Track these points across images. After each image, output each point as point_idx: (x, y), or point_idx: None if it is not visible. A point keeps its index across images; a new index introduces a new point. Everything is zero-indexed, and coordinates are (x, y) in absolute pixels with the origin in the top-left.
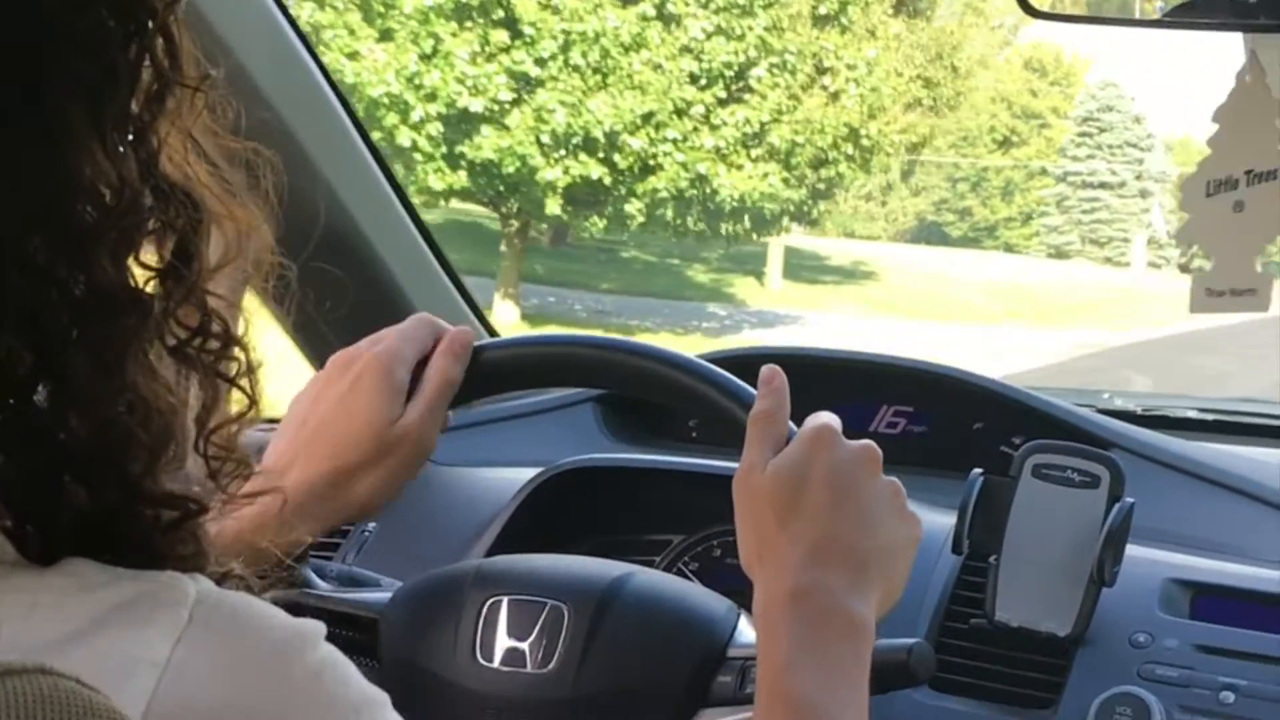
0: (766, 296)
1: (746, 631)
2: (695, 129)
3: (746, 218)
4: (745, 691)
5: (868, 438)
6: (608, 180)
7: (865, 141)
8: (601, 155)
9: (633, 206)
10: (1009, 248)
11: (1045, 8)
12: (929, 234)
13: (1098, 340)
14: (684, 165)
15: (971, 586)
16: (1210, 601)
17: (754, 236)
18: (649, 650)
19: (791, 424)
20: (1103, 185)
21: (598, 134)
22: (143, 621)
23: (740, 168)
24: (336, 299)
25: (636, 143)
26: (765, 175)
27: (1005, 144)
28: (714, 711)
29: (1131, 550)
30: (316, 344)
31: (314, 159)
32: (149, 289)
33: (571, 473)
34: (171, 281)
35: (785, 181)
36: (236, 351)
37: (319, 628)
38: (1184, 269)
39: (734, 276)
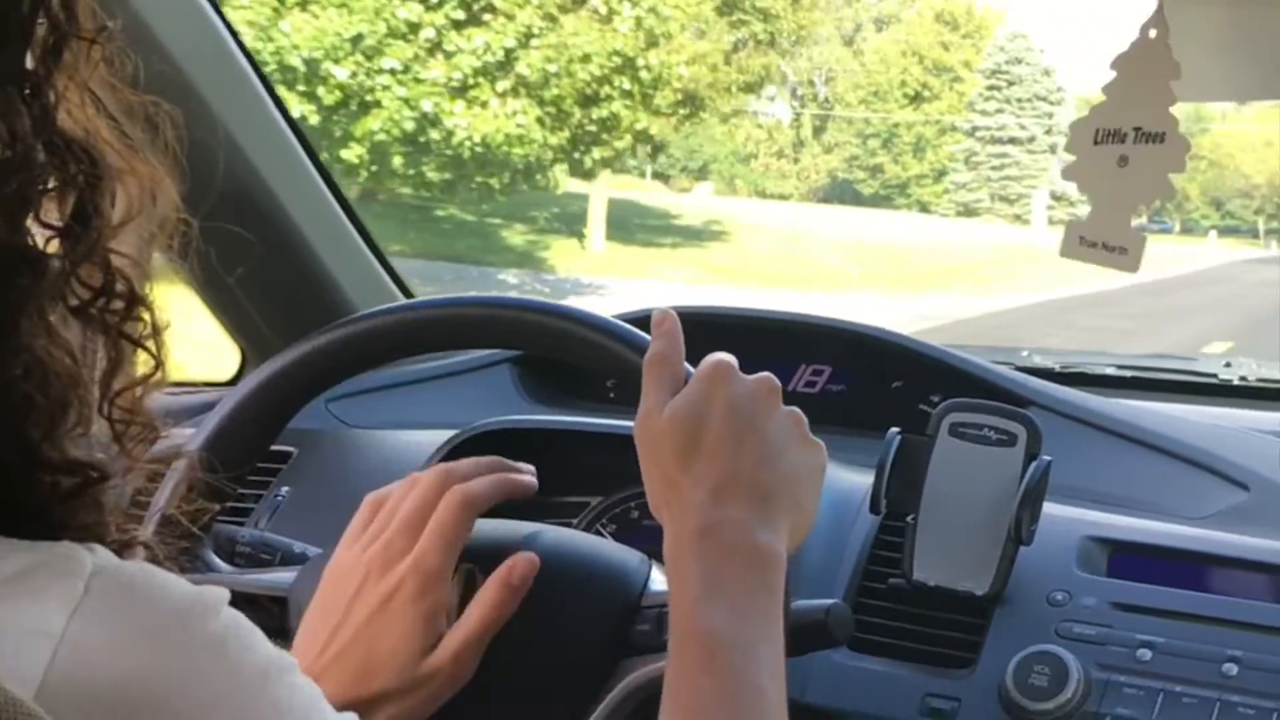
0: (585, 261)
1: (660, 580)
2: (418, 56)
3: (501, 167)
4: (663, 638)
5: (786, 396)
6: (315, 120)
7: (645, 75)
8: (302, 89)
9: (351, 152)
10: (922, 205)
11: None
12: (842, 192)
13: (947, 309)
14: (407, 101)
15: (890, 546)
16: (1127, 559)
17: (523, 189)
18: (564, 604)
19: (689, 366)
20: (1012, 140)
21: (294, 62)
22: (38, 593)
23: (484, 104)
24: (244, 258)
25: (342, 72)
26: (514, 114)
27: (917, 99)
28: (634, 659)
29: (1049, 508)
30: (226, 304)
31: (217, 113)
32: (50, 249)
33: (486, 435)
34: (72, 240)
35: (541, 122)
36: (142, 312)
37: (221, 594)
38: None
39: (555, 238)
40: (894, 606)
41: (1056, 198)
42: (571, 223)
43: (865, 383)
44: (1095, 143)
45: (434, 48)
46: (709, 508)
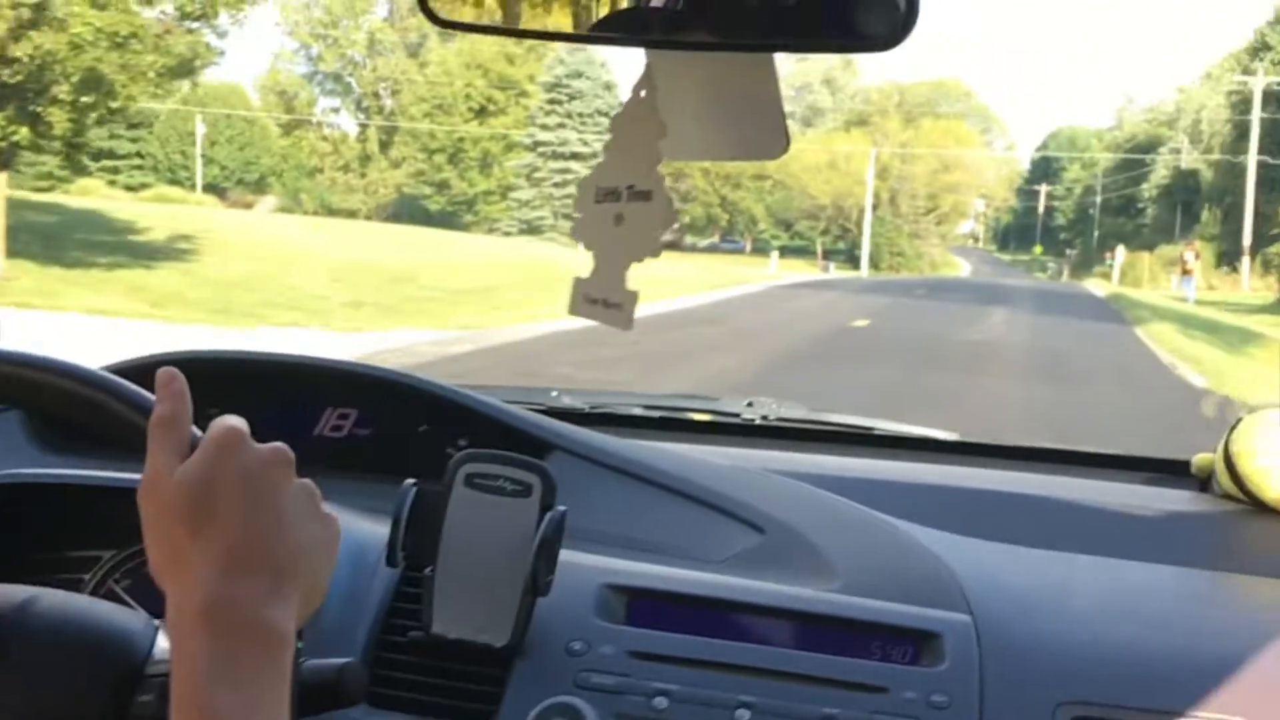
0: None
1: (165, 647)
2: None
3: None
4: (166, 712)
5: (312, 441)
6: None
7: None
8: None
9: None
10: (491, 223)
11: (447, 16)
12: (412, 209)
13: (414, 342)
14: None
15: (410, 598)
16: (645, 606)
17: None
18: (61, 675)
19: (196, 430)
20: (574, 156)
21: None
22: None
23: None
24: None
25: None
26: None
27: (482, 112)
28: None
29: (569, 556)
30: None
31: None
32: None
33: None
34: None
35: None
36: None
37: None
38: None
39: None
40: (414, 660)
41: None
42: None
43: (392, 426)
44: (596, 201)
45: None
46: (218, 581)
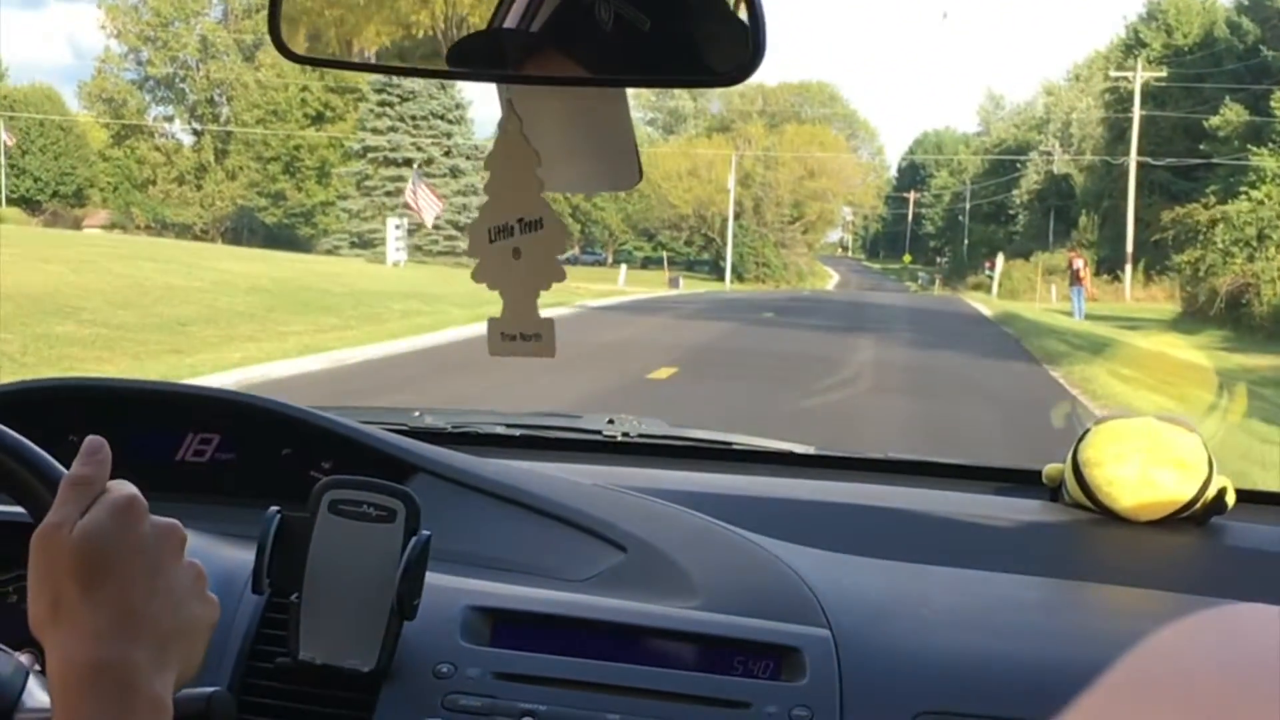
0: None
1: (37, 693)
2: None
3: None
4: None
5: (173, 466)
6: None
7: None
8: None
9: None
10: (329, 235)
11: (302, 52)
12: (251, 222)
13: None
14: None
15: (276, 625)
16: (510, 627)
17: None
18: None
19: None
20: (407, 162)
21: None
22: None
23: None
24: None
25: None
26: None
27: (319, 119)
28: None
29: (435, 579)
30: None
31: None
32: None
33: None
34: None
35: None
36: None
37: None
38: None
39: None
40: (282, 687)
41: (440, 228)
42: None
43: (255, 451)
44: (490, 240)
45: None
46: (108, 642)
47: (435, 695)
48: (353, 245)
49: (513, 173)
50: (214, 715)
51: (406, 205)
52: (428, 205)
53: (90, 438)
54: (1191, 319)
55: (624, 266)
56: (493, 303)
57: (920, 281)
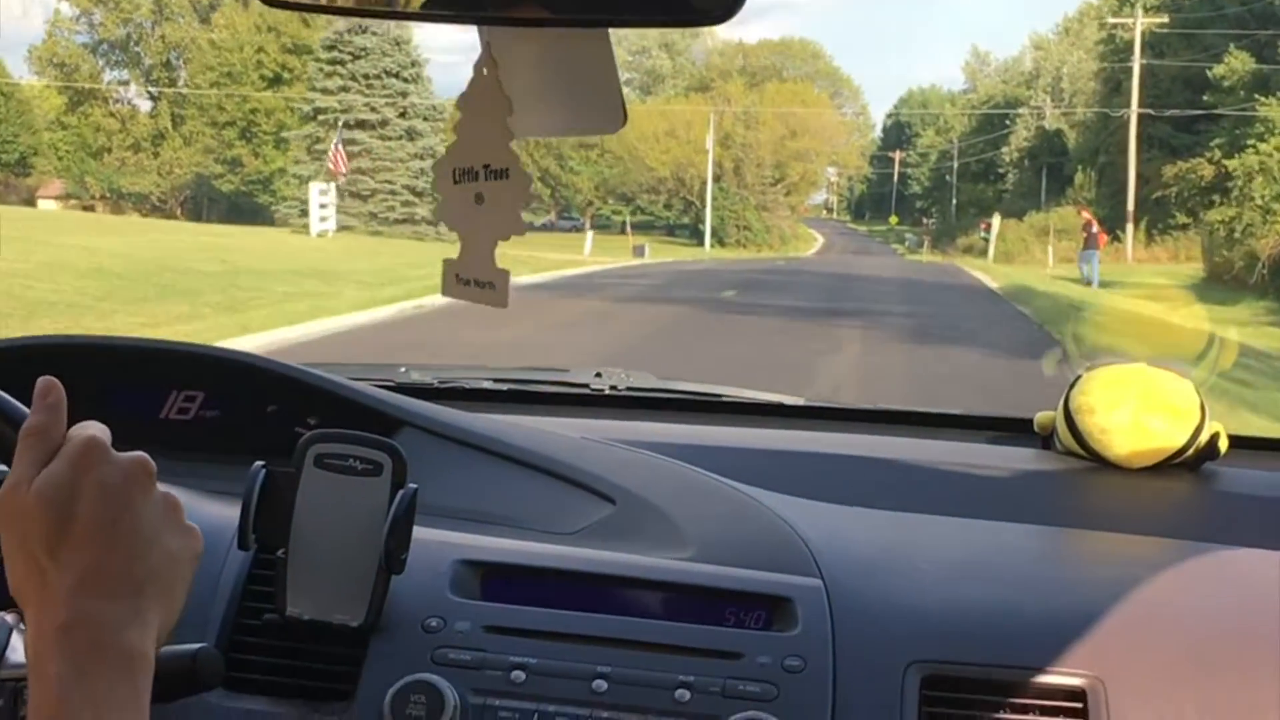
0: None
1: (21, 649)
2: None
3: None
4: (20, 715)
5: (158, 424)
6: None
7: None
8: None
9: None
10: (286, 203)
11: None
12: (210, 191)
13: None
14: None
15: (263, 581)
16: (499, 580)
17: None
18: None
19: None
20: (360, 124)
21: None
22: None
23: None
24: None
25: None
26: None
27: (276, 81)
28: None
29: (423, 533)
30: None
31: None
32: None
33: None
34: None
35: None
36: None
37: None
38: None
39: None
40: (270, 642)
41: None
42: None
43: (240, 408)
44: (455, 181)
45: None
46: (75, 600)
47: (425, 649)
48: (302, 214)
49: (483, 118)
50: (201, 672)
51: (330, 170)
52: (342, 166)
53: (41, 379)
54: (1223, 286)
55: (590, 234)
56: (397, 282)
57: (908, 244)
